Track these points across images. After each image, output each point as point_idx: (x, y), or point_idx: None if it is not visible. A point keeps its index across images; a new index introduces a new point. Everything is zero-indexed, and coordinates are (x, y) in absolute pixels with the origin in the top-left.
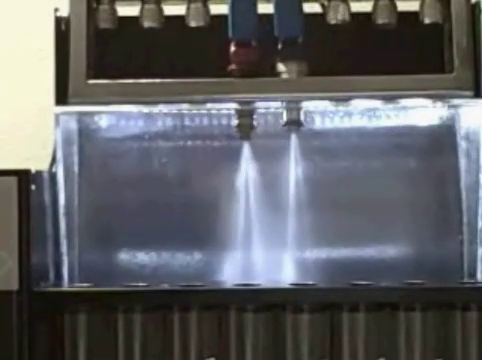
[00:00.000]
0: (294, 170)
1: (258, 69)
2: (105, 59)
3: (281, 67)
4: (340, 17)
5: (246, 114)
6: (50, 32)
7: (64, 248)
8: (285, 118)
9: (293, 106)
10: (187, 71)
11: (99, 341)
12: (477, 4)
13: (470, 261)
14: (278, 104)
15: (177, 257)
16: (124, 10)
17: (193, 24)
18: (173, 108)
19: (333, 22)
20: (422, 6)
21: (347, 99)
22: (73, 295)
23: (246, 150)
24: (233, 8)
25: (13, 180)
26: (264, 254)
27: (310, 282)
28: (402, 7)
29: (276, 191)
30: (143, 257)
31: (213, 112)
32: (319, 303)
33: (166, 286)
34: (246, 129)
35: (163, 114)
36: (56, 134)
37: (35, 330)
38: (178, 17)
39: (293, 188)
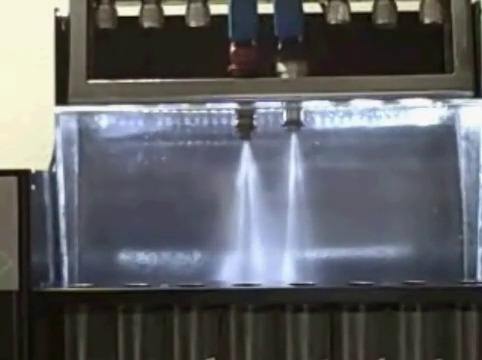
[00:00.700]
0: (294, 170)
1: (258, 69)
2: (105, 59)
3: (281, 67)
4: (340, 17)
5: (246, 114)
6: (50, 32)
7: (64, 248)
8: (285, 118)
9: (293, 106)
10: (187, 71)
11: (99, 341)
12: (477, 4)
13: (470, 261)
14: (278, 104)
15: (177, 257)
16: (124, 10)
17: (193, 24)
18: (173, 108)
19: (333, 22)
20: (422, 6)
21: (347, 99)
22: (73, 295)
23: (246, 150)
24: (233, 8)
25: (13, 180)
26: (264, 254)
27: (310, 282)
28: (402, 7)
29: (276, 191)
30: (143, 257)
31: (213, 112)
32: (319, 303)
33: (166, 286)
34: (246, 129)
35: (163, 114)
36: (56, 134)
37: (35, 330)
38: (178, 17)
39: (293, 188)
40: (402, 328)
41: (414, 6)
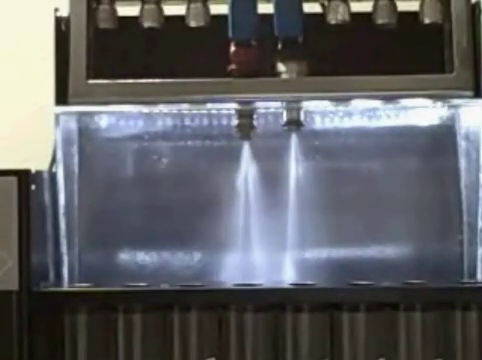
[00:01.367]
0: (294, 170)
1: (258, 69)
2: (105, 59)
3: (281, 67)
4: (340, 17)
5: (246, 114)
6: (50, 32)
7: (64, 248)
8: (285, 118)
9: (293, 106)
10: (187, 71)
11: (99, 341)
12: (477, 4)
13: (470, 261)
14: (278, 104)
15: (177, 257)
16: (124, 10)
17: (193, 24)
18: (173, 108)
19: (333, 22)
20: (422, 6)
21: (347, 99)
22: (73, 295)
23: (246, 150)
24: (233, 8)
25: (13, 180)
26: (264, 254)
27: (310, 282)
28: (402, 7)
29: (276, 191)
30: (143, 257)
31: (213, 112)
32: (319, 303)
33: (166, 286)
34: (246, 129)
35: (163, 114)
36: (56, 134)
37: (35, 330)
38: (178, 17)
39: (293, 188)
40: (402, 328)
41: (414, 6)
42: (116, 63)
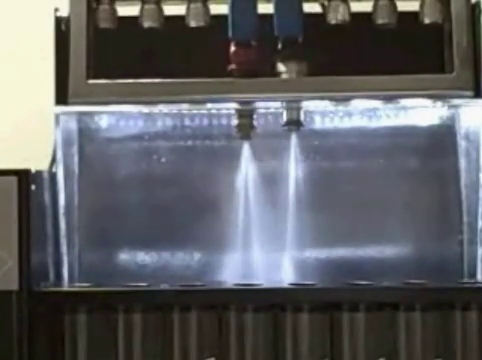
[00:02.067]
0: (294, 170)
1: (258, 69)
2: (105, 59)
3: (281, 67)
4: (340, 17)
5: (246, 114)
6: (50, 32)
7: (64, 248)
8: (285, 118)
9: (293, 106)
10: (187, 71)
11: (99, 341)
12: (477, 4)
13: (470, 261)
14: (278, 104)
15: (177, 257)
16: (124, 10)
17: (193, 24)
18: (173, 108)
19: (333, 22)
20: (422, 6)
21: (347, 99)
22: (73, 295)
23: (246, 150)
24: (233, 8)
25: (13, 180)
26: (264, 254)
27: (310, 282)
28: (402, 7)
29: (276, 191)
30: (143, 257)
31: (213, 112)
32: (319, 303)
33: (166, 286)
34: (246, 129)
35: (163, 114)
36: (56, 134)
37: (35, 330)
38: (178, 17)
39: (293, 188)
40: (402, 328)
41: (414, 6)
42: (116, 63)
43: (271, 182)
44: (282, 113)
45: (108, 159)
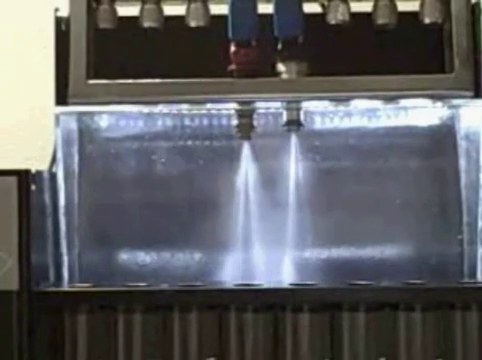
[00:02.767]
0: (294, 170)
1: (258, 69)
2: (105, 59)
3: (281, 67)
4: (340, 17)
5: (246, 114)
6: (50, 32)
7: (64, 248)
8: (285, 118)
9: (293, 106)
10: (187, 71)
11: (99, 341)
12: (477, 4)
13: (470, 261)
14: (278, 104)
15: (177, 257)
16: (124, 10)
17: (193, 24)
18: (173, 108)
19: (333, 22)
20: (422, 6)
21: (347, 99)
22: (73, 295)
23: (246, 150)
24: (233, 8)
25: (13, 180)
26: (264, 254)
27: (310, 282)
28: (402, 7)
29: (276, 191)
30: (143, 257)
31: (213, 112)
32: (319, 303)
33: (166, 286)
34: (246, 129)
35: (163, 114)
36: (56, 134)
37: (35, 330)
38: (178, 17)
39: (293, 188)
40: (402, 328)
41: (414, 6)
42: (116, 63)
43: (271, 182)
44: (282, 113)
45: (108, 159)
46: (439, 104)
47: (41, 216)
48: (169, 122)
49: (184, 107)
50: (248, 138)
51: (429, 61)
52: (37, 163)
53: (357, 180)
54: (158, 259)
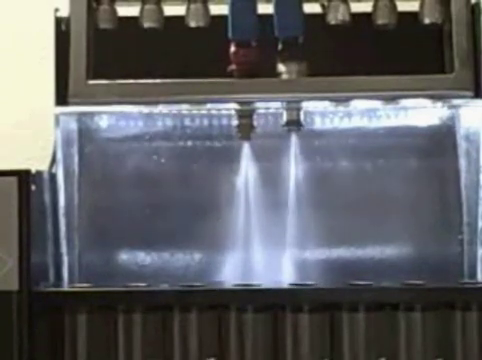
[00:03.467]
0: (294, 170)
1: (258, 69)
2: (105, 59)
3: (281, 67)
4: (340, 17)
5: (246, 114)
6: (50, 32)
7: (64, 248)
8: (285, 118)
9: (293, 106)
10: (187, 71)
11: (99, 341)
12: (477, 4)
13: (470, 261)
14: (278, 104)
15: (177, 257)
16: (124, 10)
17: (193, 24)
18: (173, 108)
19: (333, 22)
20: (422, 6)
21: (347, 99)
22: (73, 295)
23: (246, 150)
24: (233, 8)
25: (13, 180)
26: (264, 254)
27: (310, 282)
28: (402, 7)
29: (276, 191)
30: (143, 257)
31: (213, 112)
32: (319, 303)
33: (166, 286)
34: (246, 129)
35: (163, 114)
36: (56, 134)
37: (35, 330)
38: (178, 17)
39: (293, 188)
40: (402, 328)
41: (414, 6)
42: (116, 63)
43: (271, 182)
44: (282, 113)
45: (108, 159)
46: (439, 104)
47: (41, 216)
48: (169, 122)
49: (184, 107)
50: (248, 139)
51: (429, 61)
52: (37, 163)
53: (357, 180)
54: (158, 259)
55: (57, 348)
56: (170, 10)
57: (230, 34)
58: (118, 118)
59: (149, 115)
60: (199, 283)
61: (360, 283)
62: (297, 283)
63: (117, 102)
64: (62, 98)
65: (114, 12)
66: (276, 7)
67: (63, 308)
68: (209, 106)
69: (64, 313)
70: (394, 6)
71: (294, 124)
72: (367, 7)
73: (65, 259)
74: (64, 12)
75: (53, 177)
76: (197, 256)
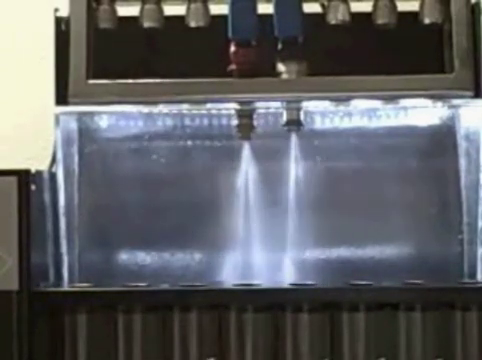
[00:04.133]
0: (294, 170)
1: (258, 69)
2: (105, 59)
3: (281, 67)
4: (340, 17)
5: (246, 114)
6: (50, 32)
7: (64, 248)
8: (285, 118)
9: (293, 106)
10: (187, 71)
11: (99, 341)
12: (477, 4)
13: (470, 261)
14: (278, 104)
15: (177, 257)
16: (124, 10)
17: (193, 24)
18: (173, 108)
19: (333, 22)
20: (422, 6)
21: (347, 99)
22: (73, 295)
23: (246, 150)
24: (233, 8)
25: (13, 180)
26: (264, 254)
27: (310, 282)
28: (402, 7)
29: (276, 191)
30: (143, 257)
31: (213, 112)
32: (319, 303)
33: (166, 286)
34: (246, 129)
35: (163, 114)
36: (56, 134)
37: (35, 330)
38: (178, 17)
39: (293, 188)
40: (402, 328)
41: (414, 6)
42: (116, 63)
43: (271, 182)
44: (282, 113)
45: (108, 159)
46: (439, 104)
47: (41, 216)
48: (169, 122)
49: (184, 107)
50: (248, 138)
51: (429, 61)
52: (37, 163)
53: (357, 180)
54: (158, 259)
55: (57, 348)
56: (170, 10)
57: (230, 34)
58: (118, 118)
59: (149, 115)
60: (199, 283)
61: (360, 283)
62: (297, 283)
63: (117, 102)
64: (62, 98)
65: (114, 12)
66: (276, 7)
67: (63, 308)
68: (209, 106)
69: (64, 313)
70: (394, 6)
71: (294, 124)
72: (367, 7)
73: (65, 259)
74: (64, 12)
75: (53, 177)
76: (197, 256)
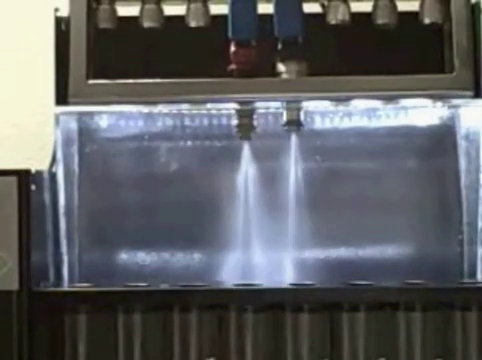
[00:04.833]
0: (294, 170)
1: (258, 69)
2: (105, 59)
3: (281, 67)
4: (340, 17)
5: (246, 114)
6: (50, 32)
7: (64, 248)
8: (285, 118)
9: (293, 106)
10: (187, 71)
11: (99, 341)
12: (477, 4)
13: (470, 261)
14: (278, 104)
15: (177, 257)
16: (124, 10)
17: (193, 24)
18: (173, 108)
19: (333, 22)
20: (422, 6)
21: (347, 99)
22: (73, 295)
23: (246, 150)
24: (233, 8)
25: (13, 180)
26: (264, 254)
27: (310, 282)
28: (402, 7)
29: (276, 191)
30: (143, 257)
31: (213, 112)
32: (319, 303)
33: (166, 286)
34: (246, 129)
35: (163, 114)
36: (56, 134)
37: (35, 330)
38: (178, 17)
39: (293, 188)
40: (402, 328)
41: (414, 6)
42: (116, 63)
43: (271, 182)
44: (282, 113)
45: (108, 159)
46: (439, 104)
47: (41, 216)
48: (169, 122)
49: (184, 107)
50: (248, 138)
51: (429, 61)
52: (37, 163)
53: (357, 180)
54: (158, 259)
55: (57, 348)
56: (170, 10)
57: (230, 34)
58: (118, 118)
59: (149, 115)
60: (199, 283)
61: (360, 283)
62: (297, 283)
63: (117, 102)
64: (62, 98)
65: (114, 12)
66: (276, 7)
67: (63, 308)
68: (209, 106)
69: (64, 313)
70: (394, 6)
71: (294, 124)
72: (367, 7)
73: (65, 259)
74: (64, 12)
75: (53, 177)
76: (197, 256)
